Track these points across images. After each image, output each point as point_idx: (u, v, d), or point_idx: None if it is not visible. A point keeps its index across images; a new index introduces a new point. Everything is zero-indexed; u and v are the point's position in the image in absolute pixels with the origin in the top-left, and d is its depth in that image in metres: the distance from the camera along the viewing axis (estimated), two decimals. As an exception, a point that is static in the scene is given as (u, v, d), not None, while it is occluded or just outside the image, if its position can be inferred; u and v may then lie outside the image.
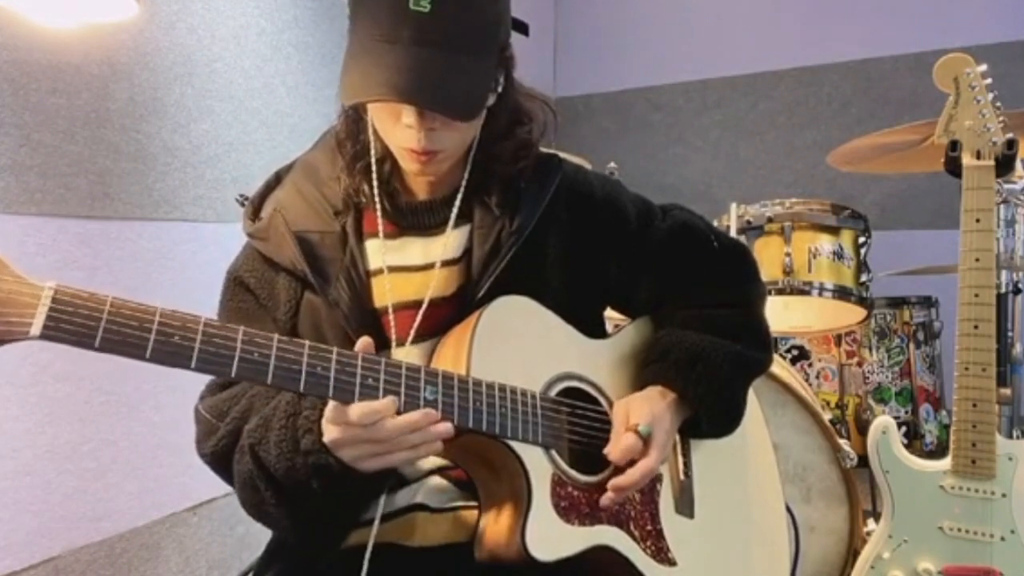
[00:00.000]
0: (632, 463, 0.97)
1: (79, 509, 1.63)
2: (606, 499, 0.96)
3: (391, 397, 0.83)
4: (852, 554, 1.80)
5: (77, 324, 0.71)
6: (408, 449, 0.85)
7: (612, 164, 2.20)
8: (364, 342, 0.86)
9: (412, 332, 1.00)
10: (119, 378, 1.69)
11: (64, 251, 1.59)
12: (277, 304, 1.02)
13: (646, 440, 0.97)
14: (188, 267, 1.84)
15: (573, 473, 0.96)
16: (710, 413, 1.07)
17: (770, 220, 2.05)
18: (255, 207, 1.06)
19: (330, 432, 0.85)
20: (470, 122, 0.96)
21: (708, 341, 1.08)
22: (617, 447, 0.97)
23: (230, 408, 0.98)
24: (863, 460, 1.62)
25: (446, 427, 0.85)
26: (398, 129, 0.94)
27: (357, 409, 0.82)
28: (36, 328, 0.70)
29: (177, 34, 1.83)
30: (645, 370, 1.08)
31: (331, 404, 0.84)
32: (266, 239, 1.02)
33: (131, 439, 1.72)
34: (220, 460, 0.98)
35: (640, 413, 0.99)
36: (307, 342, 0.82)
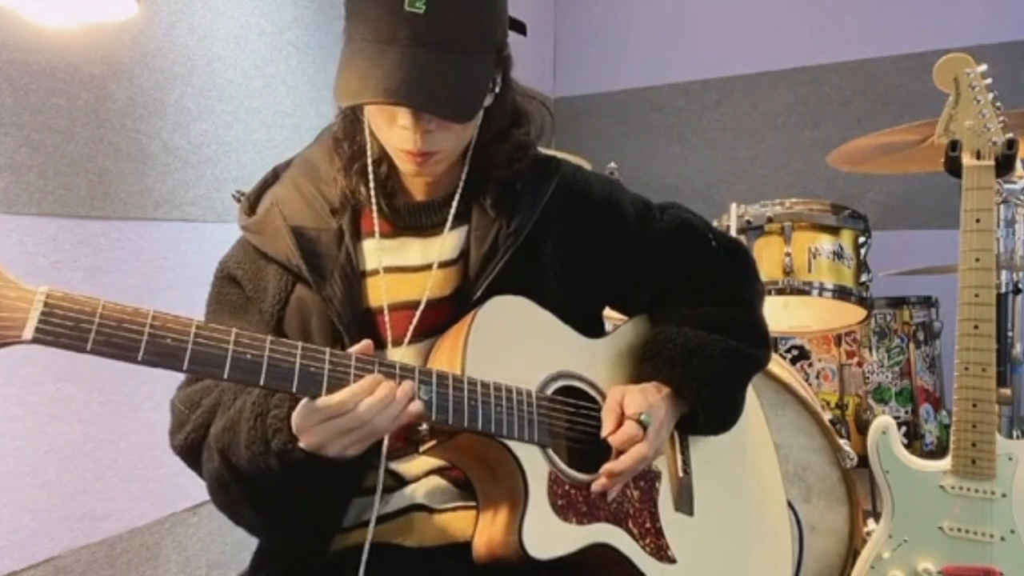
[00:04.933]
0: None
1: (79, 509, 1.63)
2: (598, 485, 0.96)
3: (369, 377, 0.83)
4: (852, 554, 1.79)
5: (68, 328, 0.71)
6: (389, 423, 0.84)
7: (612, 164, 2.20)
8: (364, 345, 0.86)
9: (409, 333, 1.00)
10: (119, 378, 1.69)
11: (64, 251, 1.59)
12: (264, 295, 1.02)
13: (645, 427, 0.98)
14: (188, 267, 1.84)
15: (570, 471, 0.96)
16: (706, 409, 1.07)
17: (770, 220, 2.05)
18: (251, 202, 1.06)
19: (309, 436, 0.84)
20: (466, 123, 0.95)
21: (704, 337, 1.08)
22: (619, 433, 0.97)
23: (202, 399, 0.98)
24: (863, 460, 1.62)
25: (410, 386, 0.85)
26: (394, 131, 0.94)
27: (337, 397, 0.81)
28: (28, 332, 0.70)
29: (177, 34, 1.83)
30: (641, 366, 1.08)
31: (301, 409, 0.83)
32: (261, 232, 1.02)
33: (131, 439, 1.72)
34: (189, 452, 0.98)
35: (635, 402, 0.99)
36: (300, 343, 0.82)
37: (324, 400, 0.82)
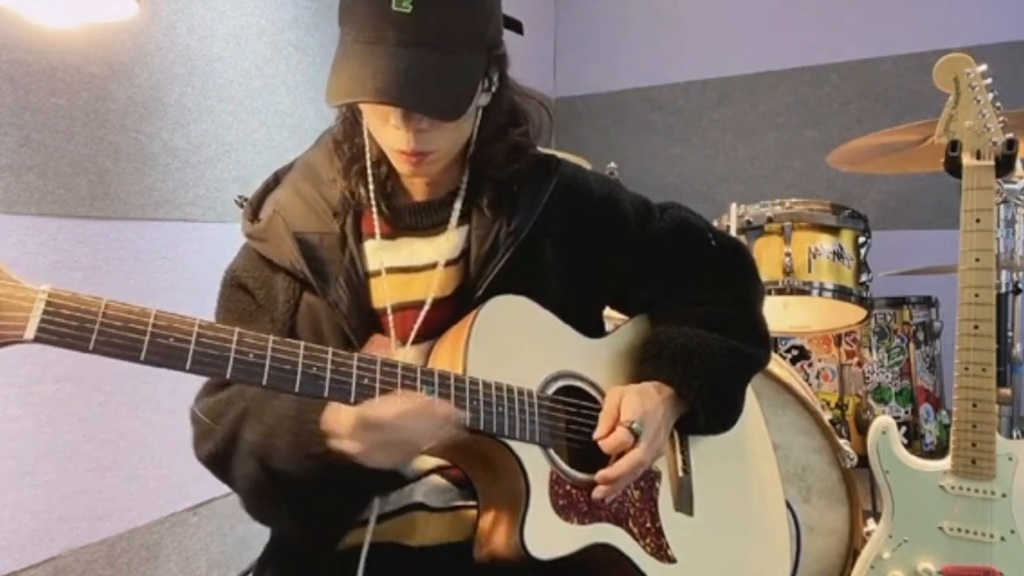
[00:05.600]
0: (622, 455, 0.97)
1: (79, 509, 1.63)
2: (598, 491, 0.96)
3: (420, 398, 0.85)
4: (852, 554, 1.80)
5: (71, 327, 0.71)
6: (431, 436, 0.85)
7: (612, 164, 2.20)
8: (378, 340, 0.86)
9: (414, 332, 1.00)
10: (119, 378, 1.69)
11: (64, 251, 1.59)
12: (275, 304, 1.02)
13: (637, 436, 0.97)
14: (188, 267, 1.84)
15: (571, 471, 0.96)
16: (707, 408, 1.07)
17: (770, 220, 2.05)
18: (254, 208, 1.06)
19: (353, 446, 0.83)
20: (459, 122, 0.95)
21: (704, 337, 1.08)
22: (609, 439, 0.97)
23: (226, 411, 0.97)
24: (863, 460, 1.62)
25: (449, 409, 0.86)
26: (387, 131, 0.95)
27: (392, 408, 0.82)
28: (30, 332, 0.70)
29: (177, 34, 1.83)
30: (641, 366, 1.08)
31: (353, 418, 0.83)
32: (265, 240, 1.02)
33: (131, 439, 1.72)
34: (217, 463, 0.97)
35: (632, 407, 0.99)
36: (302, 342, 0.82)
37: (372, 412, 0.82)
